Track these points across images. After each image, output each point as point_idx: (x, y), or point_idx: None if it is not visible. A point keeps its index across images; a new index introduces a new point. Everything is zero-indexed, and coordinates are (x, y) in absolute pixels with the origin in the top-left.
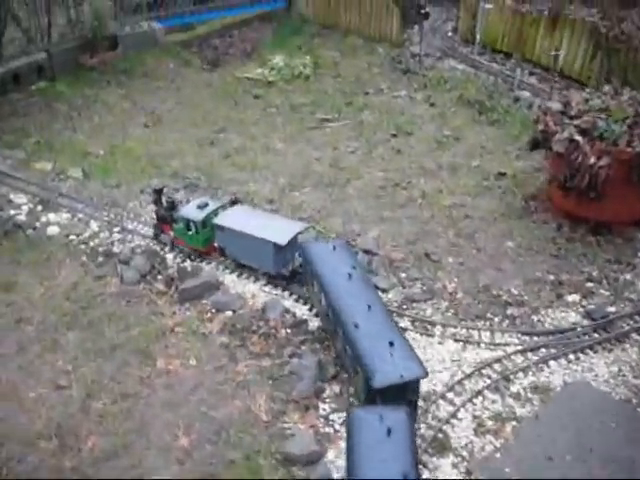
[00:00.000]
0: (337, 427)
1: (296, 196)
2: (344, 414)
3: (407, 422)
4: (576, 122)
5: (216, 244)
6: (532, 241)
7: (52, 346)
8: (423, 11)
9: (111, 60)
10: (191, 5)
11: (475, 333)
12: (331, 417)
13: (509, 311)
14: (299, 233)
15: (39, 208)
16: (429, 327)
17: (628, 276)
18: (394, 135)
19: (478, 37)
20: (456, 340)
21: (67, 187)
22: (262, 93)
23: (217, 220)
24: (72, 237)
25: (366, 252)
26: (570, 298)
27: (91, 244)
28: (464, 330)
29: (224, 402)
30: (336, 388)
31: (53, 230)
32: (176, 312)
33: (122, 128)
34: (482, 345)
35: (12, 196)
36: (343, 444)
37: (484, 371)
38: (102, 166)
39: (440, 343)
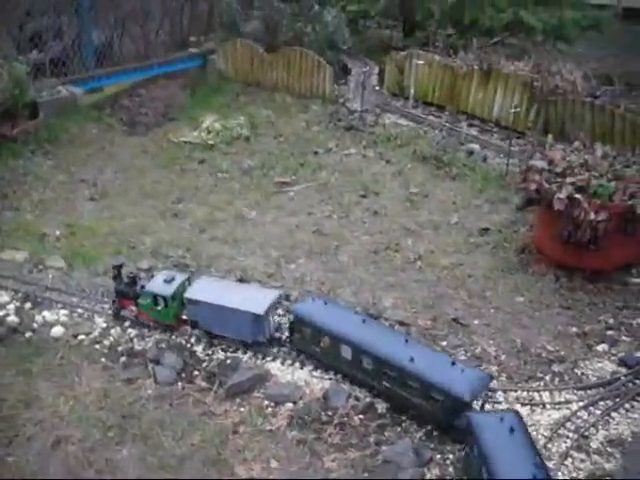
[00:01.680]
0: None
1: (292, 268)
2: None
3: (522, 422)
4: (570, 180)
5: (185, 317)
6: (538, 295)
7: (109, 467)
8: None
9: (33, 129)
10: (94, 65)
11: (535, 395)
12: None
13: (554, 368)
14: (275, 301)
15: (27, 306)
16: (491, 394)
17: None
18: (363, 196)
19: (412, 91)
20: (522, 404)
21: (50, 279)
22: (206, 157)
23: (188, 294)
24: (82, 337)
25: (400, 324)
26: (600, 348)
27: (106, 343)
28: (525, 393)
29: None
30: (436, 471)
31: (58, 331)
32: (228, 410)
33: (68, 204)
34: (547, 406)
35: None
36: None
37: (560, 432)
38: (69, 250)
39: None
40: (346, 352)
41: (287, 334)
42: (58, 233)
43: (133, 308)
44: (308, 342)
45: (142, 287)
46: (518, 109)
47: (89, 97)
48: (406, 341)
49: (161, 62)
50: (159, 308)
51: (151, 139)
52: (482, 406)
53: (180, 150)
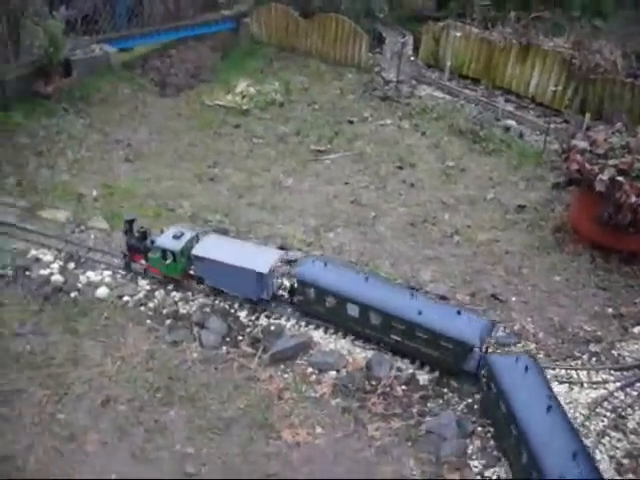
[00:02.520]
0: None
1: (331, 237)
2: (497, 469)
3: (536, 362)
4: (612, 162)
5: (193, 273)
6: (575, 275)
7: (158, 427)
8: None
9: (67, 87)
10: (126, 24)
11: (573, 373)
12: (486, 474)
13: (591, 348)
14: (278, 261)
15: (71, 266)
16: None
17: None
18: (399, 167)
19: (448, 64)
20: (560, 382)
21: (93, 240)
22: (240, 122)
23: (196, 251)
24: (126, 298)
25: (441, 298)
26: (636, 330)
27: (150, 305)
28: (563, 371)
29: (373, 469)
30: (477, 443)
31: (103, 292)
32: (272, 375)
33: (103, 164)
34: (585, 385)
35: (34, 252)
36: None
37: (598, 410)
38: (108, 211)
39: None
40: (353, 310)
41: (287, 296)
42: (96, 193)
43: (143, 262)
44: (312, 303)
45: (152, 242)
46: (559, 88)
47: (120, 56)
48: (412, 295)
49: (194, 24)
50: (167, 262)
51: (184, 101)
52: (487, 350)
53: (214, 113)
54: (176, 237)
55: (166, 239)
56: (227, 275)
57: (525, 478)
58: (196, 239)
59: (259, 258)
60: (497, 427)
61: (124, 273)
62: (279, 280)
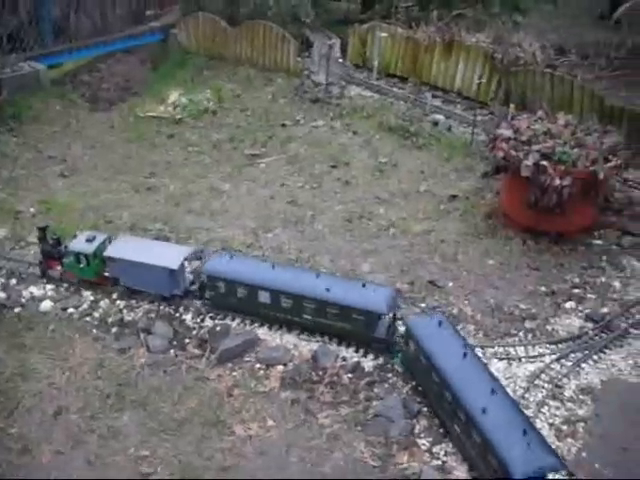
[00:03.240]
0: (444, 459)
1: (270, 237)
2: (444, 446)
3: (447, 319)
4: (535, 147)
5: (108, 274)
6: (508, 257)
7: (112, 433)
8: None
9: None
10: (53, 39)
11: (511, 350)
12: (434, 450)
13: (527, 325)
14: (187, 257)
15: (13, 282)
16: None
17: (603, 279)
18: (333, 166)
19: (376, 63)
20: (500, 359)
21: (32, 255)
22: (175, 131)
23: (108, 252)
24: (71, 310)
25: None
26: (567, 305)
27: (96, 315)
28: (501, 349)
29: (324, 456)
30: (424, 422)
31: (46, 305)
32: (221, 375)
33: (39, 180)
34: (523, 360)
35: None
36: (458, 473)
37: (536, 382)
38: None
39: (488, 364)
40: (264, 297)
41: (197, 292)
42: (33, 210)
43: (58, 267)
44: (224, 295)
45: (65, 247)
46: (483, 80)
47: (49, 73)
48: (317, 276)
49: (123, 37)
50: (81, 266)
51: (117, 114)
52: (394, 317)
53: (148, 125)
54: (88, 240)
55: (79, 243)
56: (140, 274)
57: (451, 416)
58: (108, 241)
59: (169, 255)
60: (419, 378)
61: (66, 285)
62: (190, 276)
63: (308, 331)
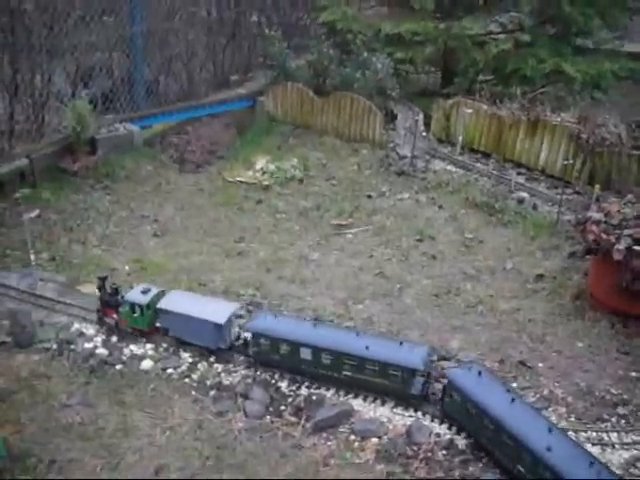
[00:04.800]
0: None
1: (360, 309)
2: None
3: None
4: (627, 232)
5: (159, 325)
6: (596, 340)
7: None
8: (392, 112)
9: (92, 164)
10: (145, 102)
11: (604, 435)
12: None
13: (619, 410)
14: (234, 313)
15: (114, 339)
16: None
17: None
18: (419, 240)
19: (460, 139)
20: (593, 444)
21: None
22: (262, 197)
23: (161, 304)
24: (170, 370)
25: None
26: None
27: (194, 377)
28: (594, 434)
29: None
30: None
31: (147, 364)
32: (316, 443)
33: (132, 238)
34: (617, 446)
35: (77, 326)
36: None
37: (631, 470)
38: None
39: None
40: (305, 353)
41: (242, 348)
42: (128, 268)
43: (114, 316)
44: (267, 352)
45: (122, 297)
46: (570, 161)
47: (142, 134)
48: (357, 334)
49: (214, 101)
50: (135, 315)
51: (205, 177)
52: (429, 375)
53: (235, 189)
54: (144, 292)
55: (135, 294)
56: (189, 326)
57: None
58: (162, 294)
59: (217, 310)
60: (470, 427)
61: (165, 345)
62: (236, 331)
63: (346, 386)
